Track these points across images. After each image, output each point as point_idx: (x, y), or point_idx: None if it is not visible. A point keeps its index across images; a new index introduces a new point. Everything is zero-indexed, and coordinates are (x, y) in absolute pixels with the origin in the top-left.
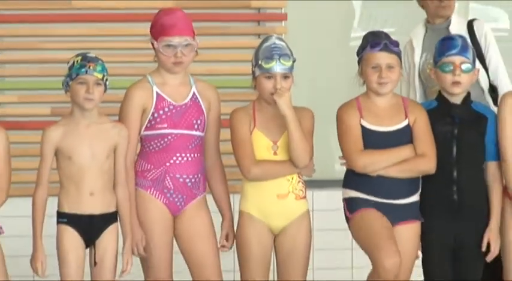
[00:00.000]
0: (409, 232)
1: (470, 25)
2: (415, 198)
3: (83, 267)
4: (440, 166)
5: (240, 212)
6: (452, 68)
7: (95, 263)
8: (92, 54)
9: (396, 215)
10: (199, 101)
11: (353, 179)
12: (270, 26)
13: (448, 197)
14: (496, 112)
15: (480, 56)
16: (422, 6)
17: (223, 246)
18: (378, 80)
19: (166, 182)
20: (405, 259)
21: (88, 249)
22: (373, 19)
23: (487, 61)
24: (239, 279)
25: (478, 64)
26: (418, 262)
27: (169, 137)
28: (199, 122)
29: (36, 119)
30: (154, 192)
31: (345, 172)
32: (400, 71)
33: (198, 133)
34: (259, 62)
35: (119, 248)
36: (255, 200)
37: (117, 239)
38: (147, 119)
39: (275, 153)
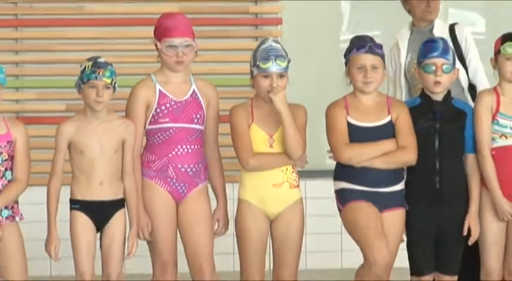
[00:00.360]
0: (395, 218)
1: (452, 29)
2: (399, 187)
3: (94, 249)
4: (423, 158)
5: (239, 200)
6: (434, 69)
7: (100, 246)
8: (102, 59)
9: (382, 203)
10: (198, 97)
11: (342, 171)
12: (267, 29)
13: (431, 186)
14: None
15: (461, 57)
16: (409, 11)
17: (215, 232)
18: (363, 79)
19: (170, 171)
20: (390, 243)
21: (99, 233)
22: (360, 23)
23: (467, 62)
24: (238, 261)
25: (458, 64)
26: (403, 245)
27: (171, 130)
28: (198, 116)
29: (52, 114)
30: (159, 181)
31: (335, 162)
32: (383, 71)
33: (197, 127)
34: (257, 63)
35: (126, 232)
36: (252, 189)
37: (125, 223)
38: (151, 114)
39: (271, 146)
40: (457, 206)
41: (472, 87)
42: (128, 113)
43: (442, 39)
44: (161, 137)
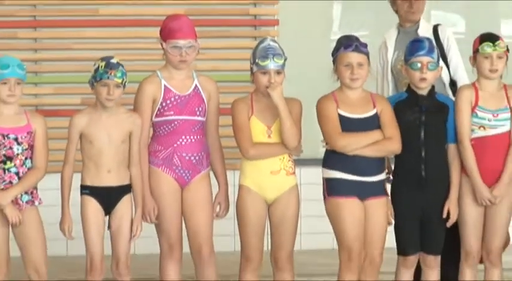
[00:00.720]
0: (378, 204)
1: (435, 29)
2: (381, 177)
3: (103, 231)
4: (410, 147)
5: (240, 186)
6: (420, 66)
7: (109, 227)
8: (115, 60)
9: (367, 191)
10: (200, 91)
11: (332, 159)
12: (265, 29)
13: (417, 173)
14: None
15: (443, 55)
16: (396, 11)
17: (217, 215)
18: (350, 76)
19: (175, 160)
20: (377, 226)
21: (107, 216)
22: (350, 24)
23: (448, 59)
24: (238, 242)
25: (440, 62)
26: (391, 228)
27: (176, 122)
28: (200, 109)
29: (68, 107)
30: (165, 168)
31: (325, 151)
32: (368, 68)
33: (199, 118)
34: (256, 60)
35: (132, 215)
36: (252, 176)
37: (131, 207)
38: (157, 107)
39: (269, 136)
40: (440, 191)
41: (452, 83)
42: (136, 107)
43: (428, 39)
44: (166, 129)
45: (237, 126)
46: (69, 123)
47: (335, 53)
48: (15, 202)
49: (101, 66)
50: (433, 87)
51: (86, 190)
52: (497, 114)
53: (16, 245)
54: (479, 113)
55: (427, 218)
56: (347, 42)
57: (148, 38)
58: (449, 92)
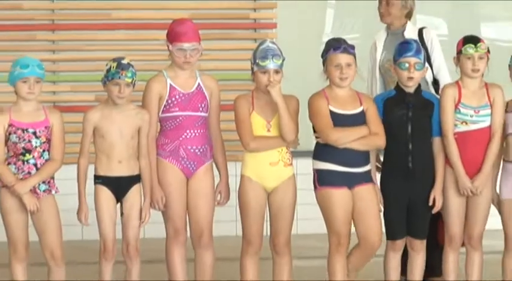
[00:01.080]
0: (367, 190)
1: (420, 32)
2: (367, 167)
3: (115, 217)
4: (398, 141)
5: (241, 176)
6: (407, 66)
7: (122, 213)
8: (125, 61)
9: (355, 181)
10: (203, 89)
11: (322, 151)
12: (264, 32)
13: (405, 165)
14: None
15: (427, 56)
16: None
17: (218, 203)
18: (340, 75)
19: (181, 152)
20: (370, 210)
21: (119, 203)
22: (342, 26)
23: (432, 60)
24: (240, 227)
25: None
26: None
27: (180, 118)
28: (203, 105)
29: (83, 104)
30: (172, 160)
31: (315, 143)
32: (355, 68)
33: (202, 114)
34: (257, 61)
35: (141, 203)
36: (252, 167)
37: (141, 195)
38: (163, 104)
39: (268, 130)
40: (426, 181)
41: (435, 82)
42: (144, 104)
43: (416, 41)
44: (172, 124)
45: (239, 121)
46: (83, 119)
47: (325, 54)
48: (33, 191)
49: (113, 67)
50: (419, 85)
51: (99, 179)
52: (479, 111)
53: (34, 230)
54: (462, 110)
55: (413, 206)
56: (336, 45)
57: (155, 40)
58: (432, 90)
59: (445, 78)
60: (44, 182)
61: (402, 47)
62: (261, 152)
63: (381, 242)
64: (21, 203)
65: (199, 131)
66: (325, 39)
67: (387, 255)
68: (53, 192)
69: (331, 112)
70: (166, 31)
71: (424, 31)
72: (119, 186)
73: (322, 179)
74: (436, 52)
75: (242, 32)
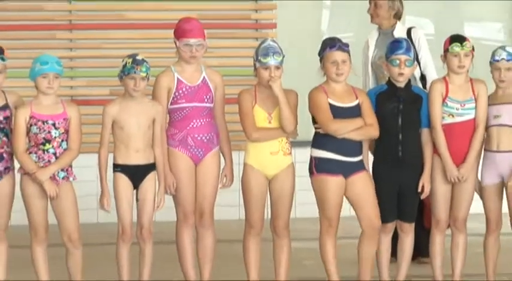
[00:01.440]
0: (362, 178)
1: (408, 31)
2: (360, 157)
3: (132, 202)
4: (389, 132)
5: (244, 164)
6: (398, 63)
7: (137, 199)
8: (140, 57)
9: (350, 170)
10: (207, 82)
11: (321, 140)
12: (265, 32)
13: (395, 154)
14: (427, 94)
15: (415, 54)
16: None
17: (223, 185)
18: (336, 71)
19: (189, 140)
20: (366, 196)
21: (135, 189)
22: (337, 26)
23: (419, 57)
24: (243, 212)
25: None
26: None
27: (187, 109)
28: (208, 97)
29: (98, 97)
30: (181, 149)
31: (313, 133)
32: (350, 65)
33: (207, 105)
34: (259, 58)
35: (156, 189)
36: (255, 156)
37: (155, 182)
38: (171, 97)
39: (270, 122)
40: (415, 169)
41: (422, 77)
42: (154, 97)
43: (406, 40)
44: (180, 115)
45: (243, 113)
46: (103, 112)
47: (322, 52)
48: (53, 178)
49: (129, 62)
50: (409, 80)
51: (117, 168)
52: (464, 104)
53: (53, 215)
54: (449, 103)
55: (403, 192)
56: (332, 43)
57: (164, 39)
58: (420, 85)
59: (431, 74)
60: (62, 170)
61: (393, 45)
62: (262, 142)
63: (380, 222)
64: (42, 190)
65: (205, 120)
66: (322, 38)
67: (379, 237)
68: (71, 179)
69: (330, 105)
70: (173, 30)
71: (413, 31)
72: (136, 174)
73: (319, 166)
74: (424, 50)
75: (244, 31)
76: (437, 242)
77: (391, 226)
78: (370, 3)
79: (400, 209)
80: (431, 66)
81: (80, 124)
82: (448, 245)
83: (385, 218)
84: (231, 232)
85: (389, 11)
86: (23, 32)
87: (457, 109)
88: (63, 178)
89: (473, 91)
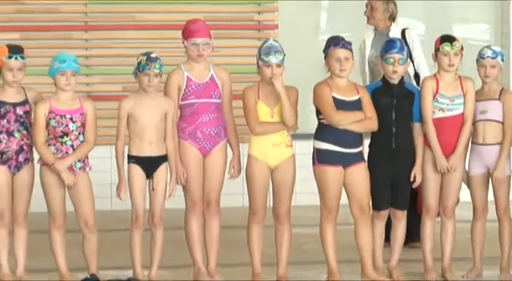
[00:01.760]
0: (360, 169)
1: (403, 32)
2: (360, 149)
3: (145, 191)
4: (384, 125)
5: (248, 155)
6: (392, 61)
7: (153, 189)
8: (154, 55)
9: (349, 160)
10: (215, 79)
11: (323, 133)
12: (267, 32)
13: (389, 145)
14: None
15: (408, 53)
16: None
17: (231, 176)
18: (340, 67)
19: (198, 134)
20: (362, 185)
21: (148, 179)
22: (334, 27)
23: (413, 56)
24: (247, 200)
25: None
26: None
27: (196, 104)
28: (216, 93)
29: (112, 93)
30: (191, 141)
31: (316, 126)
32: (352, 61)
33: (215, 100)
34: (261, 56)
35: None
36: (258, 148)
37: (167, 173)
38: (181, 93)
39: (272, 116)
40: (407, 160)
41: (416, 75)
42: (165, 93)
43: (400, 40)
44: (189, 110)
45: (247, 108)
46: (118, 107)
47: (326, 50)
48: (70, 168)
49: (143, 60)
50: (402, 77)
51: (132, 159)
52: (454, 100)
53: (70, 202)
54: (439, 99)
55: (396, 181)
56: (336, 41)
57: (173, 39)
58: (414, 82)
59: (424, 72)
60: (79, 161)
61: (388, 45)
62: (265, 135)
63: (370, 210)
64: (60, 179)
65: (213, 115)
66: (321, 38)
67: (373, 223)
68: (87, 169)
69: (334, 98)
70: (181, 31)
71: (407, 31)
72: (149, 164)
73: (321, 157)
74: (417, 50)
75: (248, 32)
76: (428, 228)
77: (384, 213)
78: (366, 6)
79: (393, 197)
80: (424, 65)
81: (95, 118)
82: (438, 231)
83: (379, 206)
84: (236, 219)
85: (385, 14)
86: (42, 32)
87: (446, 104)
88: (79, 168)
89: (461, 88)
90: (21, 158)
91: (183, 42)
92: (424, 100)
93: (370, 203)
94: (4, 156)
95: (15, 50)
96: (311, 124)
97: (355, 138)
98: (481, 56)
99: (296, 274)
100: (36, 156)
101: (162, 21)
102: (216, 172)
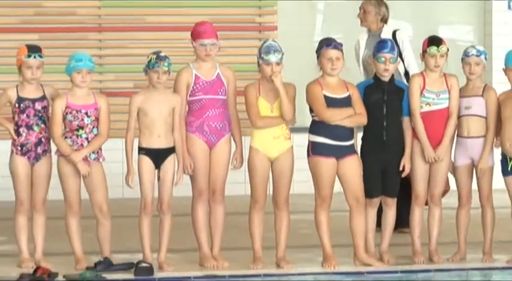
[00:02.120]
0: (352, 160)
1: (394, 33)
2: (352, 142)
3: (153, 180)
4: (375, 119)
5: (250, 147)
6: (384, 60)
7: (159, 178)
8: (163, 53)
9: (342, 153)
10: (221, 77)
11: (317, 127)
12: (267, 33)
13: (380, 138)
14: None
15: (399, 53)
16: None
17: (234, 167)
18: (331, 67)
19: (205, 127)
20: (354, 176)
21: (157, 169)
22: (328, 29)
23: (403, 56)
24: (248, 188)
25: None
26: None
27: (203, 100)
28: (222, 90)
29: (124, 90)
30: (198, 134)
31: (311, 121)
32: (343, 61)
33: (221, 97)
34: (261, 55)
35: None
36: (259, 140)
37: (175, 163)
38: (190, 90)
39: (272, 111)
40: (397, 151)
41: (406, 73)
42: (175, 90)
43: (391, 40)
44: (197, 105)
45: (248, 104)
46: (129, 101)
47: (319, 50)
48: (85, 159)
49: (153, 58)
50: (393, 75)
51: (142, 150)
52: (439, 95)
53: (85, 191)
54: (426, 94)
55: (387, 171)
56: (328, 42)
57: (181, 40)
58: (404, 80)
59: (414, 70)
60: (93, 152)
61: (380, 45)
62: (265, 129)
63: (364, 198)
64: (76, 169)
65: (219, 110)
66: (316, 38)
67: (366, 210)
68: (101, 160)
69: (325, 96)
70: (190, 32)
71: (397, 33)
72: (158, 156)
73: (315, 149)
74: (407, 50)
75: (249, 33)
76: (417, 214)
77: (376, 201)
78: (359, 9)
79: (384, 185)
80: (414, 64)
81: (108, 113)
82: (425, 217)
83: (371, 194)
84: (238, 206)
85: (377, 16)
86: (59, 33)
87: (433, 99)
88: (94, 159)
89: (446, 84)
90: (39, 150)
91: (192, 43)
92: (412, 96)
93: (362, 189)
94: (24, 148)
95: (33, 50)
96: (308, 118)
97: (346, 132)
98: (466, 54)
99: (294, 257)
100: (53, 148)
101: (170, 23)
102: (221, 163)
